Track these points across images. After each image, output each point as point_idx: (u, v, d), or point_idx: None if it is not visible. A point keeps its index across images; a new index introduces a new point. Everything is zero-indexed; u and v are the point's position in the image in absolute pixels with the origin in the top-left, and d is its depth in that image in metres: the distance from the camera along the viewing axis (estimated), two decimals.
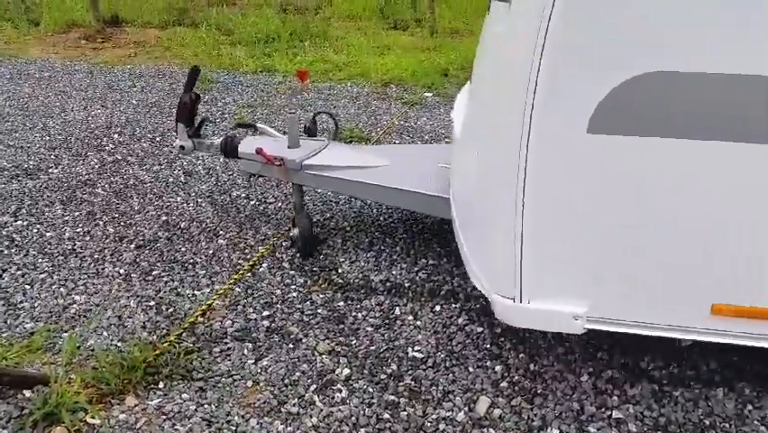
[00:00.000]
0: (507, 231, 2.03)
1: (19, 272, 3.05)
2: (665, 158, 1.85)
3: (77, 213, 3.66)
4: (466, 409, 2.24)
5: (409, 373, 2.42)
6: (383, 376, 2.40)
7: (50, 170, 4.26)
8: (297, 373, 2.41)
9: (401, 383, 2.36)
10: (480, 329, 2.64)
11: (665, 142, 1.82)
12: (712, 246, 1.93)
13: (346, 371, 2.42)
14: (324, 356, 2.51)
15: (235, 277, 3.03)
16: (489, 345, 2.56)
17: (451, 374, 2.41)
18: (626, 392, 2.31)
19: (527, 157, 1.90)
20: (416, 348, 2.55)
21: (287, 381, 2.37)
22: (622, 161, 1.88)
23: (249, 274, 3.07)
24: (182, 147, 3.42)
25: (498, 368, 2.43)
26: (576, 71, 1.81)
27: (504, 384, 2.36)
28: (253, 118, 5.39)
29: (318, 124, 3.64)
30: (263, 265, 3.16)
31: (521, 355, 2.50)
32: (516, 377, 2.39)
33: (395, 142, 4.94)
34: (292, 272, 3.10)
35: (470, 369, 2.43)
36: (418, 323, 2.70)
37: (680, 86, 1.76)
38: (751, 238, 1.90)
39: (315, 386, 2.35)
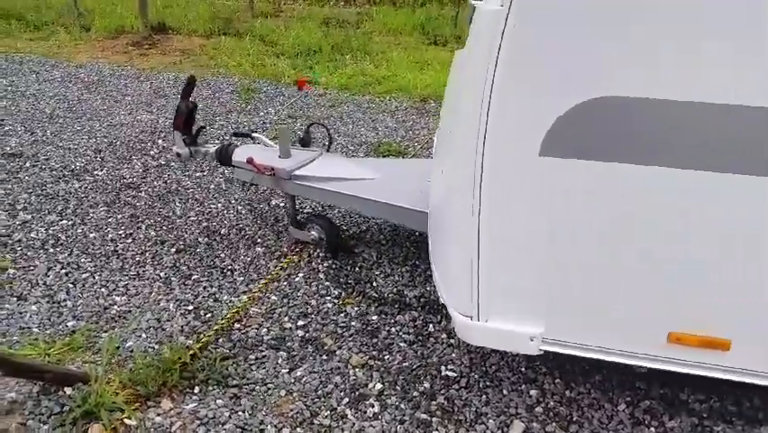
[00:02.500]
0: (464, 250, 2.05)
1: (63, 271, 3.13)
2: (615, 183, 1.85)
3: (121, 215, 3.75)
4: (499, 432, 2.21)
5: (442, 391, 2.40)
6: (415, 394, 2.39)
7: (95, 172, 4.37)
8: (330, 386, 2.41)
9: (434, 402, 2.34)
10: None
11: (615, 167, 1.83)
12: (666, 274, 1.92)
13: (379, 386, 2.42)
14: (357, 370, 2.51)
15: (261, 285, 3.06)
16: (523, 369, 2.52)
17: (484, 396, 2.38)
18: (665, 424, 2.25)
19: (482, 178, 1.92)
20: (450, 367, 2.53)
21: (320, 392, 2.38)
22: (573, 184, 1.89)
23: (285, 283, 3.10)
24: (178, 154, 3.52)
25: (533, 392, 2.40)
26: (527, 96, 1.83)
27: (539, 409, 2.32)
28: (294, 129, 5.45)
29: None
30: (299, 275, 3.18)
31: (557, 381, 2.46)
32: (552, 403, 2.35)
33: (432, 157, 4.93)
34: (327, 283, 3.12)
35: (505, 391, 2.40)
36: (452, 341, 2.68)
37: (627, 111, 1.77)
38: (704, 267, 1.88)
39: (347, 399, 2.35)
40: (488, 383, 2.44)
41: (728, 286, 1.89)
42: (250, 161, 3.21)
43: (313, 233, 3.33)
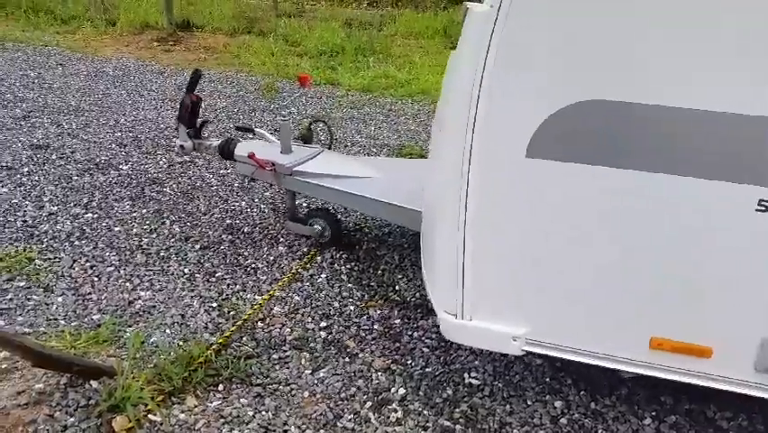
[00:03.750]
0: (450, 248, 2.06)
1: (88, 264, 3.14)
2: (600, 186, 1.86)
3: (145, 210, 3.77)
4: None
5: (465, 399, 2.38)
6: (438, 400, 2.37)
7: (120, 167, 4.40)
8: (353, 388, 2.40)
9: (457, 409, 2.33)
10: (539, 361, 2.58)
11: (600, 171, 1.83)
12: (649, 277, 1.92)
13: (401, 391, 2.40)
14: (379, 373, 2.50)
15: (281, 283, 3.06)
16: (548, 379, 2.50)
17: (508, 405, 2.36)
18: None
19: (469, 178, 1.95)
20: (473, 375, 2.51)
21: (343, 395, 2.37)
22: (559, 186, 1.90)
23: (308, 284, 3.09)
24: (182, 147, 3.59)
25: (557, 404, 2.37)
26: (514, 98, 1.85)
27: (563, 421, 2.30)
28: (317, 130, 5.46)
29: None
30: (322, 276, 3.18)
31: (582, 392, 2.43)
32: (577, 415, 2.33)
33: None
34: (350, 285, 3.11)
35: (529, 402, 2.38)
36: (475, 349, 2.66)
37: (613, 115, 1.78)
38: (686, 273, 1.89)
39: (370, 403, 2.33)
40: (511, 393, 2.42)
41: (711, 293, 1.89)
42: (251, 155, 3.26)
43: (316, 227, 3.38)
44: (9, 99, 5.78)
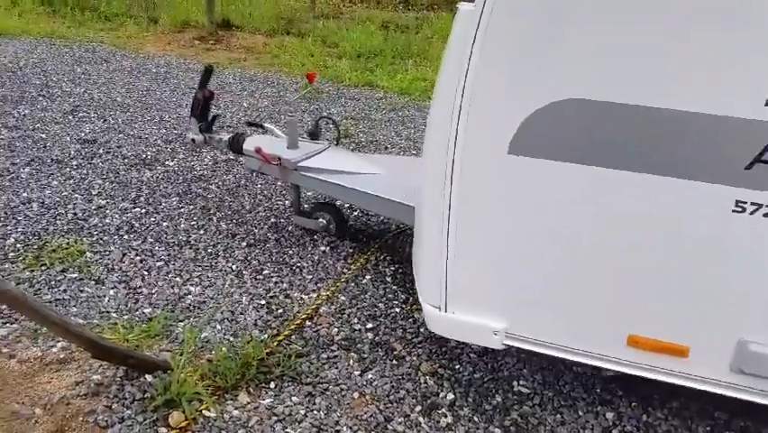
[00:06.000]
0: (433, 241, 2.11)
1: (138, 258, 3.20)
2: (579, 185, 1.88)
3: (192, 207, 3.81)
4: None
5: (515, 407, 2.36)
6: (488, 407, 2.35)
7: (166, 163, 4.47)
8: (402, 391, 2.40)
9: (507, 418, 2.30)
10: (588, 371, 2.54)
11: (579, 169, 1.86)
12: (627, 275, 1.95)
13: (450, 396, 2.39)
14: (427, 377, 2.49)
15: (333, 288, 3.07)
16: (599, 390, 2.46)
17: (559, 415, 2.33)
18: None
19: (452, 173, 1.99)
20: (522, 382, 2.49)
21: (392, 397, 2.36)
22: (539, 183, 1.93)
23: (353, 284, 3.10)
24: (193, 140, 3.70)
25: (609, 415, 2.34)
26: (497, 95, 1.88)
27: (615, 432, 2.26)
28: (356, 131, 5.48)
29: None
30: (366, 277, 3.18)
31: (633, 404, 2.39)
32: (629, 427, 2.29)
33: None
34: (394, 287, 3.11)
35: (580, 412, 2.35)
36: (523, 356, 2.63)
37: (593, 114, 1.80)
38: (664, 272, 1.90)
39: (420, 407, 2.33)
40: (562, 402, 2.39)
41: (687, 293, 1.90)
42: (258, 150, 3.31)
43: (322, 220, 3.44)
44: (57, 94, 5.91)
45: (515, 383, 2.48)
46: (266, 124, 3.78)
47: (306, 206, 3.74)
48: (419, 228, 2.38)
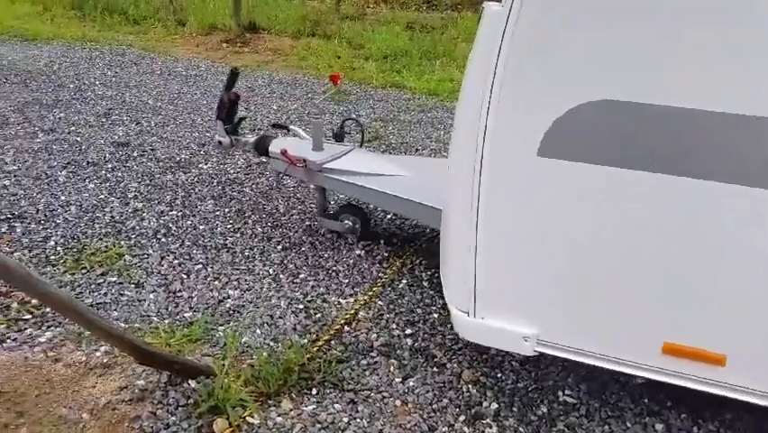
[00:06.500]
0: (462, 246, 2.07)
1: (176, 261, 3.20)
2: (612, 188, 1.83)
3: (228, 209, 3.82)
4: None
5: (561, 418, 2.31)
6: (533, 417, 2.31)
7: (200, 165, 4.49)
8: (445, 400, 2.36)
9: (554, 428, 2.26)
10: (636, 381, 2.48)
11: (611, 172, 1.81)
12: (664, 281, 1.89)
13: (494, 405, 2.35)
14: (470, 386, 2.45)
15: (371, 293, 3.04)
16: (646, 400, 2.40)
17: (606, 426, 2.28)
18: None
19: (481, 176, 1.95)
20: (567, 392, 2.44)
21: (435, 406, 2.33)
22: (570, 186, 1.88)
23: (389, 289, 3.07)
24: (220, 143, 3.71)
25: (658, 426, 2.28)
26: (527, 96, 1.84)
27: None
28: (386, 133, 5.46)
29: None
30: (403, 281, 3.15)
31: (683, 415, 2.33)
32: None
33: None
34: (431, 292, 3.07)
35: (628, 423, 2.29)
36: (566, 364, 2.58)
37: (626, 115, 1.74)
38: (702, 278, 1.84)
39: (463, 417, 2.29)
40: (609, 413, 2.34)
41: (726, 300, 1.84)
42: (283, 152, 3.30)
43: (348, 222, 3.43)
44: (90, 97, 5.98)
45: (560, 393, 2.43)
46: (291, 126, 3.78)
47: (333, 206, 3.73)
48: (446, 232, 2.35)
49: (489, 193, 1.97)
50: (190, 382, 2.26)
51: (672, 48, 1.68)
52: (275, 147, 3.46)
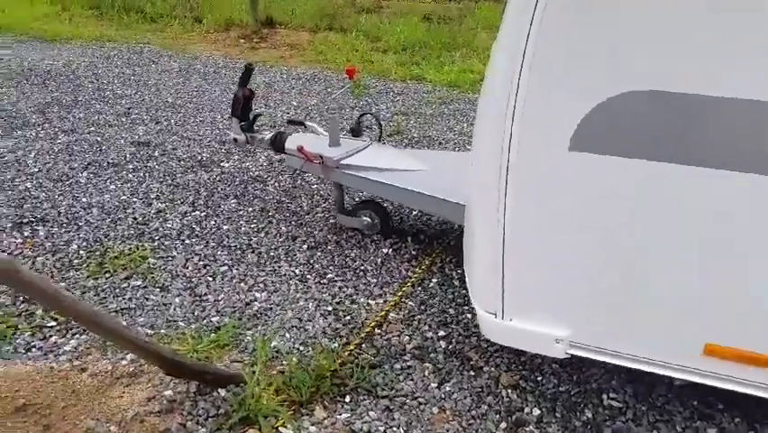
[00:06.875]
0: (489, 245, 1.98)
1: (201, 263, 3.13)
2: (649, 182, 1.72)
3: (251, 209, 3.74)
4: None
5: (608, 423, 2.20)
6: (578, 423, 2.20)
7: (221, 164, 4.42)
8: (484, 406, 2.26)
9: None
10: (683, 383, 2.36)
11: (649, 165, 1.70)
12: (704, 279, 1.78)
13: (536, 411, 2.24)
14: (509, 390, 2.34)
15: (401, 293, 2.95)
16: (695, 403, 2.28)
17: (656, 431, 2.17)
18: None
19: (508, 173, 1.86)
20: (612, 396, 2.32)
21: (474, 412, 2.23)
22: (604, 181, 1.77)
23: (420, 289, 2.97)
24: (235, 140, 3.68)
25: (711, 431, 2.16)
26: (556, 90, 1.74)
27: None
28: (408, 126, 5.34)
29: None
30: (433, 280, 3.05)
31: (737, 419, 2.20)
32: None
33: None
34: (463, 291, 2.96)
35: (678, 428, 2.17)
36: (609, 366, 2.46)
37: (666, 106, 1.63)
38: (745, 276, 1.74)
39: (505, 424, 2.19)
40: (657, 417, 2.22)
41: None
42: (300, 148, 3.24)
43: (365, 219, 3.35)
44: (109, 96, 5.94)
45: (604, 397, 2.32)
46: (307, 122, 3.71)
47: (354, 202, 3.65)
48: (471, 229, 2.25)
49: (516, 190, 1.87)
50: (220, 391, 2.19)
51: (708, 35, 1.57)
52: (291, 144, 3.40)
